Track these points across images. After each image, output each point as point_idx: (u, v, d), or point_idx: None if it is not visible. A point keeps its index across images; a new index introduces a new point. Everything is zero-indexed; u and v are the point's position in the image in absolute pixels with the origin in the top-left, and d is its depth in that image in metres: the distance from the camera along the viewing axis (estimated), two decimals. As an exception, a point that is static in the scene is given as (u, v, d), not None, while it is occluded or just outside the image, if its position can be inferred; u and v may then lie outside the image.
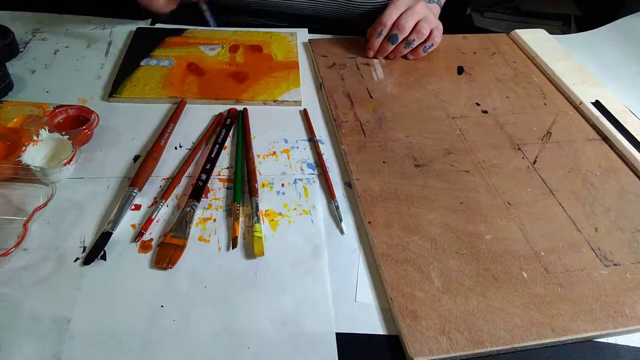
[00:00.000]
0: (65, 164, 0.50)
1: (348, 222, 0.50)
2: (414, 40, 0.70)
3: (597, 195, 0.54)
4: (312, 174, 0.55)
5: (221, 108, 0.63)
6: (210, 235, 0.47)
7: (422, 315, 0.41)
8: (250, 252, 0.46)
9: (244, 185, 0.52)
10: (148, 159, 0.53)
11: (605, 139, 0.61)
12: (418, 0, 0.70)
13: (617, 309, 0.43)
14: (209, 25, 0.74)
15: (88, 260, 0.44)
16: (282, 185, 0.53)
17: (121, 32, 0.74)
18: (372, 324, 0.42)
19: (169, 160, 0.55)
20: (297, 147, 0.58)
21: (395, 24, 0.69)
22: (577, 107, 0.66)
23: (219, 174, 0.54)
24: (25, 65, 0.67)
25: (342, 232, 0.49)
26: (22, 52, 0.69)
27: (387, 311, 0.43)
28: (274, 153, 0.57)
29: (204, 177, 0.52)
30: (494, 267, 0.45)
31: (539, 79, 0.72)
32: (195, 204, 0.49)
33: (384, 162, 0.55)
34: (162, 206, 0.49)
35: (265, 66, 0.69)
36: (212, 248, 0.46)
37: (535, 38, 0.79)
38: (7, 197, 0.48)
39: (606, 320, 0.42)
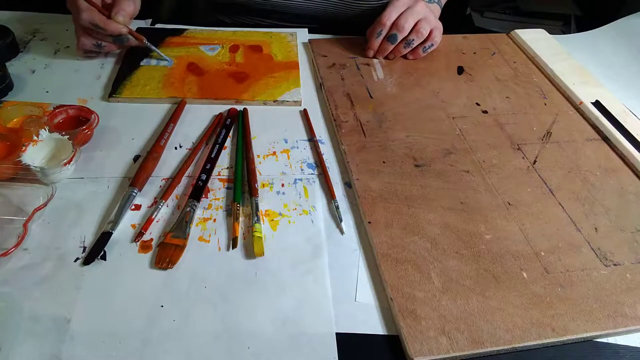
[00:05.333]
0: (65, 164, 0.50)
1: (348, 222, 0.50)
2: (413, 40, 0.70)
3: (597, 195, 0.54)
4: (312, 174, 0.55)
5: (221, 108, 0.63)
6: (210, 235, 0.47)
7: (422, 315, 0.41)
8: (250, 252, 0.46)
9: (244, 185, 0.52)
10: (148, 159, 0.53)
11: (605, 139, 0.61)
12: (418, 0, 0.70)
13: (617, 309, 0.43)
14: (161, 57, 0.68)
15: (88, 260, 0.44)
16: (282, 185, 0.53)
17: (121, 32, 0.74)
18: (372, 324, 0.42)
19: (169, 160, 0.55)
20: (297, 147, 0.58)
21: (395, 23, 0.69)
22: (577, 107, 0.66)
23: (219, 174, 0.54)
24: (25, 65, 0.67)
25: (342, 232, 0.49)
26: (22, 52, 0.69)
27: (387, 311, 0.43)
28: (274, 153, 0.57)
29: (204, 177, 0.52)
30: (494, 267, 0.45)
31: (539, 79, 0.72)
32: (195, 204, 0.49)
33: (384, 162, 0.55)
34: (162, 206, 0.49)
35: (265, 66, 0.69)
36: (212, 248, 0.46)
37: (535, 38, 0.79)
38: (7, 197, 0.48)
39: (606, 320, 0.42)
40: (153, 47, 0.68)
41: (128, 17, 0.63)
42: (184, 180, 0.53)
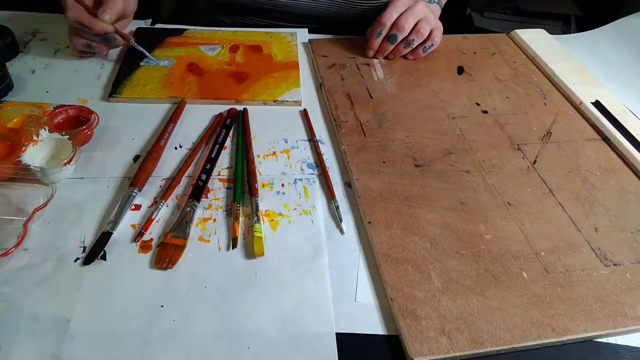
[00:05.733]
0: (65, 164, 0.50)
1: (348, 222, 0.50)
2: (413, 40, 0.70)
3: (597, 195, 0.54)
4: (312, 174, 0.55)
5: (221, 108, 0.63)
6: (210, 235, 0.47)
7: (422, 315, 0.41)
8: (250, 252, 0.46)
9: (244, 185, 0.52)
10: (148, 159, 0.53)
11: (605, 139, 0.61)
12: (418, 0, 0.70)
13: (617, 309, 0.43)
14: (146, 56, 0.68)
15: (88, 260, 0.44)
16: (282, 185, 0.53)
17: (121, 32, 0.74)
18: (372, 324, 0.42)
19: (169, 160, 0.55)
20: (297, 147, 0.58)
21: (395, 24, 0.69)
22: (577, 107, 0.66)
23: (219, 174, 0.54)
24: (25, 65, 0.67)
25: (342, 232, 0.49)
26: (22, 52, 0.69)
27: (387, 311, 0.43)
28: (274, 153, 0.57)
29: (204, 177, 0.52)
30: (494, 267, 0.45)
31: (539, 79, 0.72)
32: (195, 204, 0.49)
33: (384, 162, 0.55)
34: (162, 206, 0.49)
35: (265, 66, 0.69)
36: (212, 248, 0.46)
37: (535, 38, 0.79)
38: (7, 197, 0.48)
39: (606, 320, 0.42)
40: (140, 48, 0.67)
41: (115, 15, 0.62)
42: (184, 180, 0.53)
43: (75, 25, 0.62)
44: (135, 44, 0.67)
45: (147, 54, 0.67)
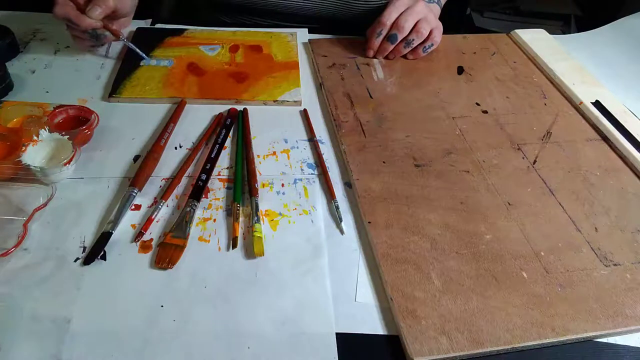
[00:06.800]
0: (65, 164, 0.50)
1: (348, 222, 0.50)
2: (413, 40, 0.70)
3: (597, 195, 0.54)
4: (312, 174, 0.55)
5: (221, 108, 0.63)
6: (210, 235, 0.47)
7: (422, 315, 0.41)
8: (250, 252, 0.46)
9: (244, 185, 0.52)
10: (148, 159, 0.53)
11: (605, 139, 0.61)
12: (418, 0, 0.70)
13: (617, 309, 0.43)
14: (141, 57, 0.67)
15: (88, 260, 0.44)
16: (282, 185, 0.53)
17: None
18: (372, 324, 0.42)
19: (169, 160, 0.55)
20: (297, 147, 0.58)
21: (395, 23, 0.69)
22: (577, 107, 0.66)
23: (219, 174, 0.54)
24: (25, 65, 0.67)
25: (342, 232, 0.49)
26: (22, 52, 0.69)
27: (387, 311, 0.43)
28: (274, 153, 0.57)
29: (204, 177, 0.52)
30: (494, 267, 0.45)
31: (539, 79, 0.72)
32: (195, 204, 0.49)
33: (384, 162, 0.55)
34: (162, 206, 0.49)
35: (265, 66, 0.69)
36: (212, 248, 0.46)
37: (535, 38, 0.79)
38: (7, 197, 0.48)
39: (606, 320, 0.42)
40: (130, 45, 0.67)
41: (105, 12, 0.61)
42: (184, 180, 0.53)
43: (63, 22, 0.61)
44: (127, 41, 0.67)
45: (139, 51, 0.67)
